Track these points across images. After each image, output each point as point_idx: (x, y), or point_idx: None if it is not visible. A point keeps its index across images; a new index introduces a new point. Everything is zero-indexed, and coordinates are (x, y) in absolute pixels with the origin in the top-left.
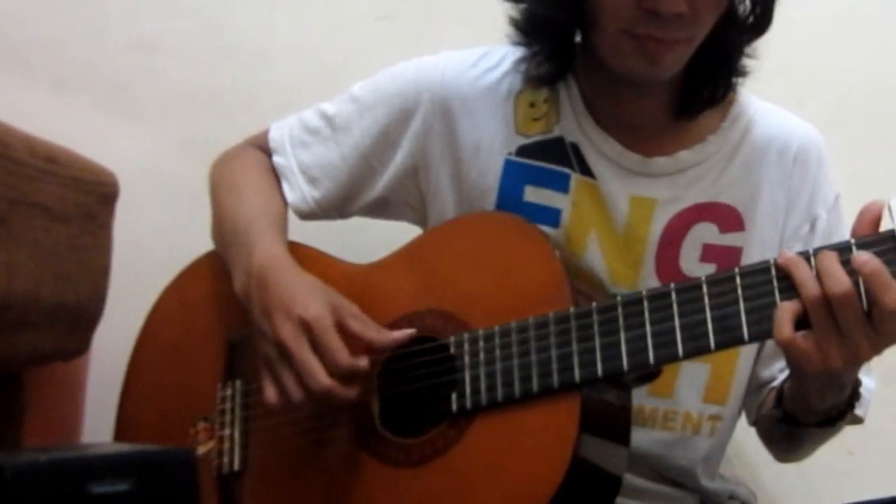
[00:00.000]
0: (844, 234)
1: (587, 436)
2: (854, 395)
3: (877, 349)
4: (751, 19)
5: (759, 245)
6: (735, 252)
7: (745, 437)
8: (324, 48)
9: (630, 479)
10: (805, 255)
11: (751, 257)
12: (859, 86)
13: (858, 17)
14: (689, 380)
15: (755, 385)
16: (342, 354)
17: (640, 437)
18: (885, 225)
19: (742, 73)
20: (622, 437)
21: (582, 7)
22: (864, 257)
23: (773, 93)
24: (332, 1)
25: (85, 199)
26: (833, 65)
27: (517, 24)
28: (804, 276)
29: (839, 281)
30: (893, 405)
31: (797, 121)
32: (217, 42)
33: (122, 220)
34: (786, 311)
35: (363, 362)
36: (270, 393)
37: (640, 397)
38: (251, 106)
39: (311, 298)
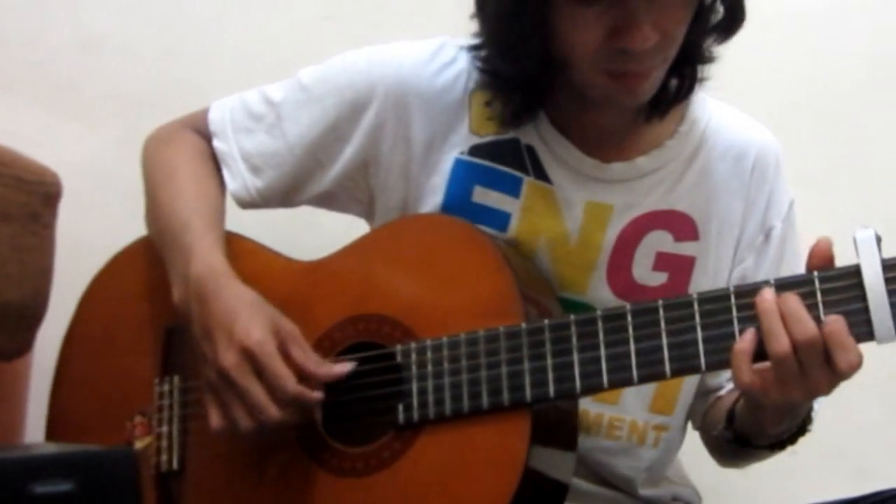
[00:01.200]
0: (797, 242)
1: (536, 448)
2: (807, 418)
3: (835, 385)
4: (721, 20)
5: (714, 255)
6: (688, 261)
7: (689, 438)
8: (269, 48)
9: (576, 482)
10: (766, 286)
11: (704, 267)
12: (806, 87)
13: (807, 18)
14: (636, 388)
15: (702, 391)
16: (289, 382)
17: (584, 445)
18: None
19: (708, 59)
20: (570, 445)
21: (550, 51)
22: (831, 318)
23: (722, 95)
24: (278, 1)
25: (27, 199)
26: (780, 66)
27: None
28: (774, 327)
29: (806, 328)
30: (835, 407)
31: (755, 127)
32: (162, 42)
33: (65, 219)
34: (743, 355)
35: (317, 395)
36: (215, 420)
37: (585, 402)
38: (196, 106)
39: (251, 322)
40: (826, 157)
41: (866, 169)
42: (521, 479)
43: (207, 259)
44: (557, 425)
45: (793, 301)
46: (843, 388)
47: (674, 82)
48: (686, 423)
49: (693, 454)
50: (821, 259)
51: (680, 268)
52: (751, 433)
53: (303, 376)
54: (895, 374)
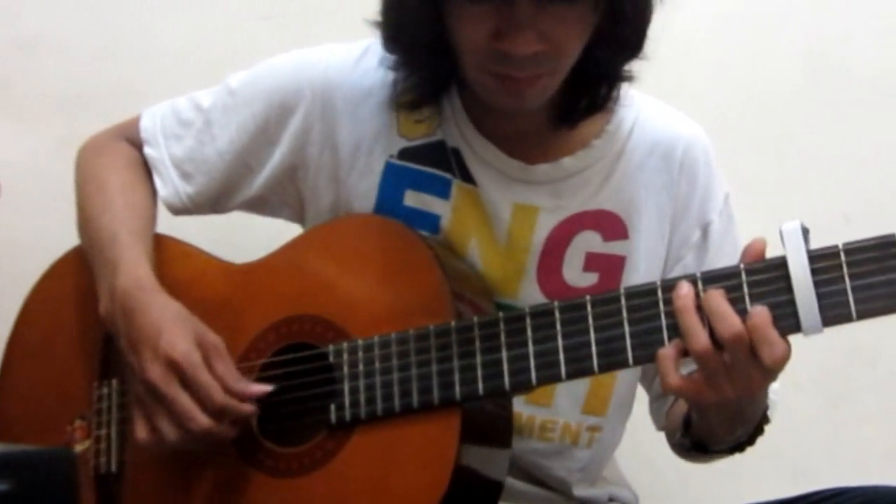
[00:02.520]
0: (737, 235)
1: (468, 446)
2: (764, 418)
3: (769, 379)
4: (624, 40)
5: (644, 253)
6: (618, 261)
7: (625, 439)
8: (207, 48)
9: (510, 482)
10: (692, 279)
11: (634, 266)
12: (740, 86)
13: (738, 18)
14: (569, 390)
15: (656, 393)
16: (216, 392)
17: (518, 446)
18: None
19: (626, 78)
20: (503, 443)
21: (447, 46)
22: (755, 309)
23: (654, 91)
24: (215, 1)
25: None
26: (714, 65)
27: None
28: (691, 325)
29: (729, 325)
30: (776, 407)
31: (683, 122)
32: (99, 42)
33: (2, 219)
34: (669, 358)
35: (248, 407)
36: (142, 432)
37: (518, 405)
38: (134, 106)
39: (176, 334)
40: (760, 156)
41: (800, 167)
42: (451, 477)
43: (133, 272)
44: (489, 423)
45: (714, 298)
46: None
47: (584, 99)
48: (622, 424)
49: (629, 455)
50: (754, 259)
51: (610, 268)
52: (706, 439)
53: (227, 389)
54: (831, 373)
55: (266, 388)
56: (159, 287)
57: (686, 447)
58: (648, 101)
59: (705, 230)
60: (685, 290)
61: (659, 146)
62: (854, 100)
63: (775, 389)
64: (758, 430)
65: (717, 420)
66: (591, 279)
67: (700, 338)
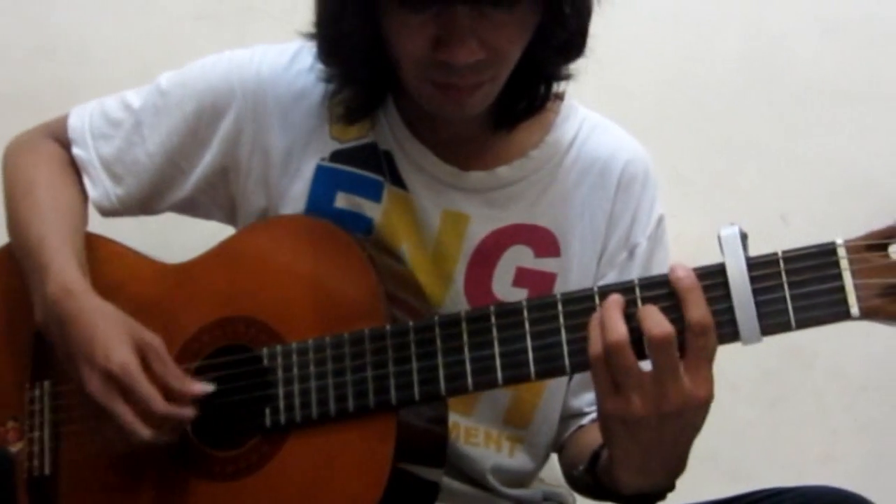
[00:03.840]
0: (663, 257)
1: (404, 450)
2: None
3: (687, 407)
4: (563, 42)
5: (577, 272)
6: (549, 278)
7: None
8: (143, 47)
9: (447, 482)
10: (629, 286)
11: (566, 284)
12: (679, 87)
13: (677, 18)
14: (491, 402)
15: (564, 414)
16: (156, 402)
17: (449, 449)
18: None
19: (563, 77)
20: (439, 447)
21: (386, 56)
22: (646, 312)
23: (593, 93)
24: (151, 0)
25: None
26: (652, 66)
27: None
28: (592, 328)
29: (658, 322)
30: (711, 411)
31: (625, 141)
32: (35, 41)
33: None
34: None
35: (187, 412)
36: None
37: None
38: (70, 105)
39: (110, 343)
40: (699, 157)
41: (738, 168)
42: (388, 480)
43: (61, 277)
44: (425, 426)
45: (607, 305)
46: (716, 389)
47: (523, 100)
48: (549, 438)
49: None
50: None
51: (541, 284)
52: (609, 476)
53: (167, 392)
54: (768, 374)
55: (207, 387)
56: (90, 290)
57: (587, 484)
58: (592, 117)
59: (632, 251)
60: (615, 296)
61: (598, 163)
62: (792, 100)
63: None
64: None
65: (623, 452)
66: (520, 295)
67: (594, 346)
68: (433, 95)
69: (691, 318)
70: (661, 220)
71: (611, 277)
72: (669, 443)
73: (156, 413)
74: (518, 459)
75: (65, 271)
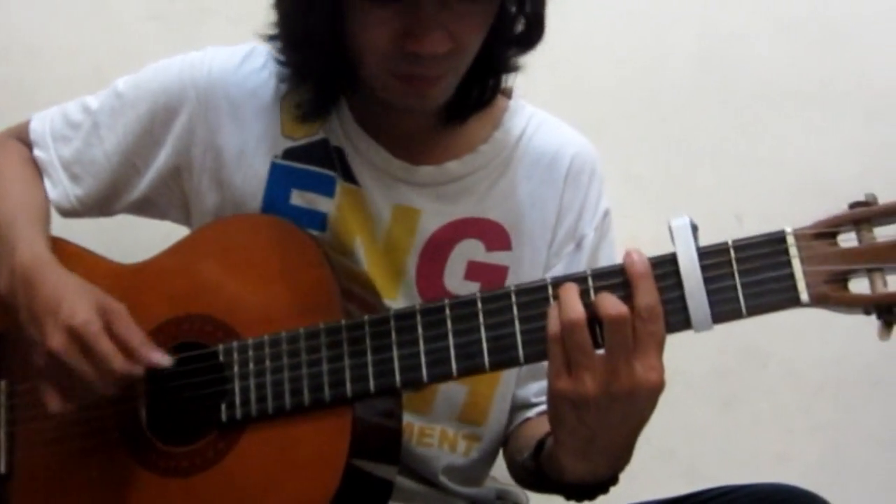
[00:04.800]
0: (611, 250)
1: (359, 445)
2: (614, 479)
3: (636, 392)
4: (520, 32)
5: (528, 265)
6: (501, 271)
7: None
8: (95, 48)
9: (400, 480)
10: (582, 276)
11: (517, 277)
12: (634, 84)
13: (633, 16)
14: (446, 398)
15: (511, 405)
16: (115, 360)
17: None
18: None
19: (514, 69)
20: (393, 441)
21: (345, 49)
22: (602, 296)
23: (549, 93)
24: (103, 0)
25: None
26: (608, 63)
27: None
28: (550, 310)
29: (613, 304)
30: (663, 407)
31: (572, 135)
32: None
33: None
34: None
35: (138, 369)
36: (52, 404)
37: None
38: (22, 105)
39: (77, 303)
40: (653, 155)
41: (693, 167)
42: (343, 476)
43: (31, 249)
44: (381, 421)
45: (565, 287)
46: (672, 388)
47: (475, 91)
48: (503, 435)
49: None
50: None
51: (492, 278)
52: (554, 464)
53: (128, 353)
54: (723, 374)
55: (167, 358)
56: (58, 262)
57: (530, 470)
58: (539, 114)
59: (579, 243)
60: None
61: (545, 157)
62: (747, 99)
63: None
64: (600, 487)
65: (568, 434)
66: (472, 288)
67: (552, 324)
68: (396, 88)
69: (640, 304)
70: (607, 213)
71: (558, 269)
72: (615, 426)
73: (114, 371)
74: (473, 458)
75: (34, 244)
